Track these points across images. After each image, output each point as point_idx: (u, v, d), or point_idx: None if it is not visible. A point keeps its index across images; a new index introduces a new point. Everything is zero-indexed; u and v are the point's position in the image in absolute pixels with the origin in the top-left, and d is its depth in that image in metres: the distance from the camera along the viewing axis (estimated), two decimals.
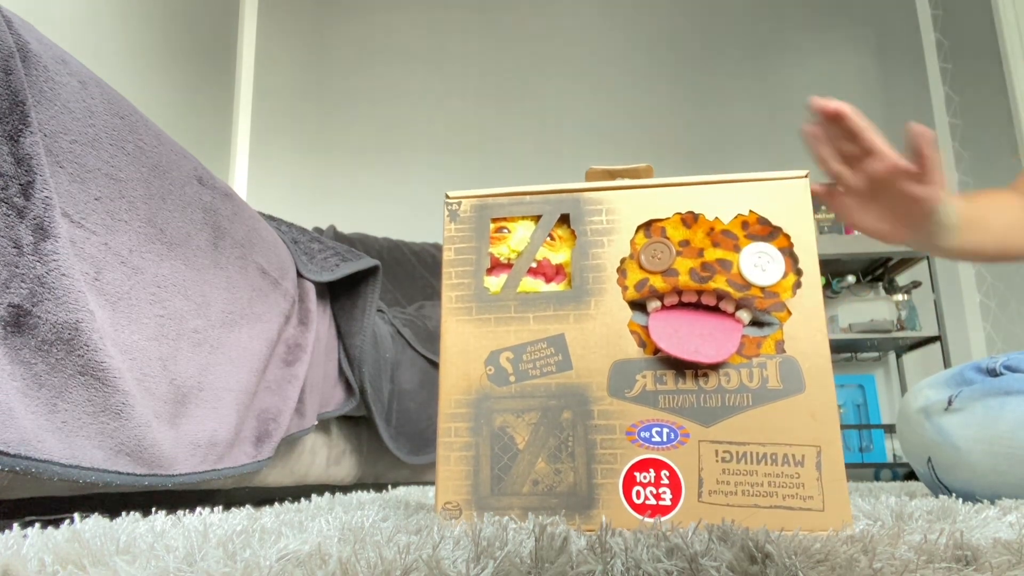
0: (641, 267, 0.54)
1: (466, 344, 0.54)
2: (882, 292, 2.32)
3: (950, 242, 0.75)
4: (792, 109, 2.77)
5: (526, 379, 0.52)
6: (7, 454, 0.48)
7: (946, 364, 2.19)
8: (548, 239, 0.56)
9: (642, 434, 0.50)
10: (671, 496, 0.48)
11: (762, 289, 0.52)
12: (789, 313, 0.52)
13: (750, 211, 0.54)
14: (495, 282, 0.55)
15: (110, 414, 0.56)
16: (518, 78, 2.89)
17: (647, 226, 0.55)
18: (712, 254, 0.53)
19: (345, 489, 1.30)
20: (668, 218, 0.54)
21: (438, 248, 2.31)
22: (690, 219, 0.54)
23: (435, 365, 1.43)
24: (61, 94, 0.56)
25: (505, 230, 0.56)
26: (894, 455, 2.35)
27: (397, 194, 2.77)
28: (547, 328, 0.53)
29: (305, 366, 0.91)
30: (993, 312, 2.46)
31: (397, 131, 2.84)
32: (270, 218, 1.08)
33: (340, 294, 1.13)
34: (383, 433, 1.26)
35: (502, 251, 0.56)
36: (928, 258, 2.26)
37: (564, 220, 0.56)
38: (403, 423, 1.33)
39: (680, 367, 0.51)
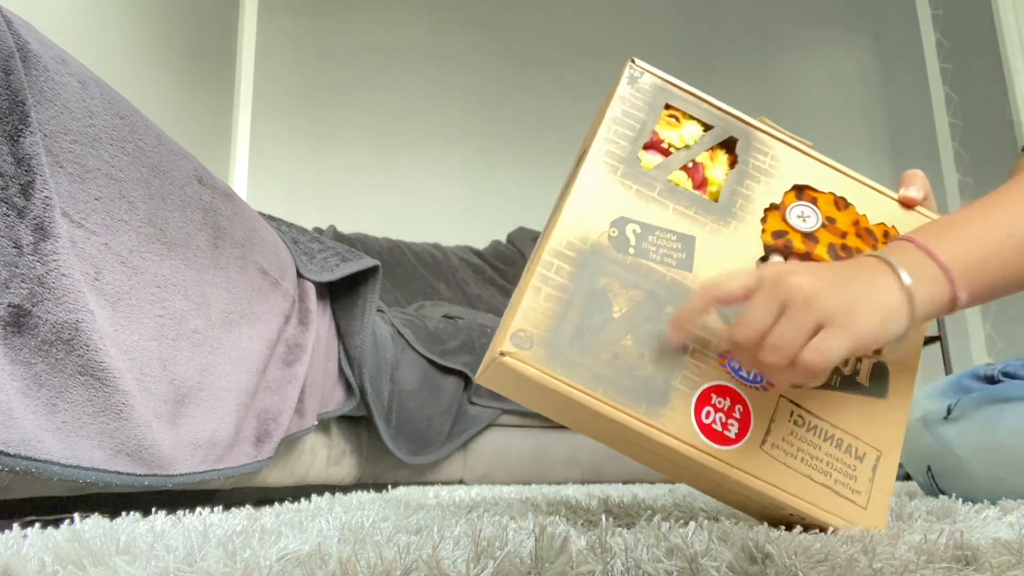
0: (784, 220, 0.54)
1: (600, 197, 0.52)
2: None
3: None
4: (792, 110, 2.77)
5: (644, 258, 0.51)
6: (7, 454, 0.48)
7: (946, 364, 2.19)
8: (709, 150, 0.56)
9: (733, 363, 0.50)
10: (737, 431, 0.48)
11: None
12: None
13: (893, 226, 0.56)
14: (648, 159, 0.55)
15: (110, 414, 0.56)
16: (519, 77, 2.89)
17: (801, 189, 0.56)
18: (853, 241, 0.55)
19: (345, 489, 1.30)
20: (823, 192, 0.56)
21: (438, 248, 2.31)
22: (842, 203, 0.56)
23: (435, 365, 1.43)
24: (61, 94, 0.56)
25: (675, 119, 0.56)
26: None
27: (397, 194, 2.77)
28: (682, 224, 0.52)
29: (305, 366, 0.91)
30: (993, 313, 2.46)
31: (397, 131, 2.84)
32: (270, 218, 1.08)
33: (340, 294, 1.13)
34: (383, 433, 1.26)
35: (668, 136, 0.55)
36: None
37: (728, 143, 0.57)
38: (403, 423, 1.33)
39: None
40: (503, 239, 2.43)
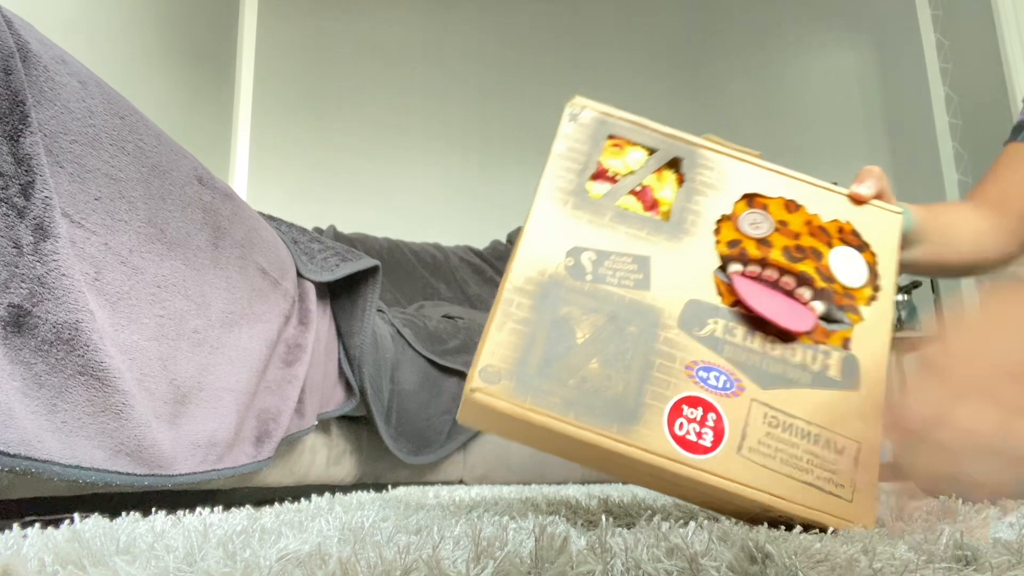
0: (737, 229, 0.55)
1: (553, 229, 0.53)
2: None
3: (913, 255, 0.76)
4: (792, 111, 2.77)
5: (602, 283, 0.52)
6: (7, 454, 0.48)
7: None
8: (655, 172, 0.57)
9: (700, 373, 0.50)
10: (712, 439, 0.48)
11: (843, 287, 0.55)
12: (861, 318, 0.54)
13: (848, 221, 0.57)
14: (596, 188, 0.56)
15: (110, 414, 0.56)
16: (519, 77, 2.89)
17: (751, 198, 0.57)
18: (807, 240, 0.56)
19: (345, 489, 1.30)
20: (773, 198, 0.57)
21: (438, 248, 2.31)
22: (792, 206, 0.57)
23: (435, 365, 1.43)
24: (61, 94, 0.56)
25: (619, 147, 0.58)
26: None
27: (397, 194, 2.77)
28: (636, 246, 0.54)
29: (305, 366, 0.91)
30: None
31: (397, 131, 2.84)
32: (270, 218, 1.08)
33: (340, 294, 1.13)
34: (383, 433, 1.26)
35: (613, 165, 0.57)
36: None
37: (674, 163, 0.58)
38: (403, 423, 1.33)
39: (753, 327, 0.52)
40: (503, 239, 2.43)
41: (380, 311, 1.39)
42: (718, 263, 0.54)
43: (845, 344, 0.53)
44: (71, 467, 0.52)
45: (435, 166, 2.80)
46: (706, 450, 0.48)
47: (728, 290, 0.53)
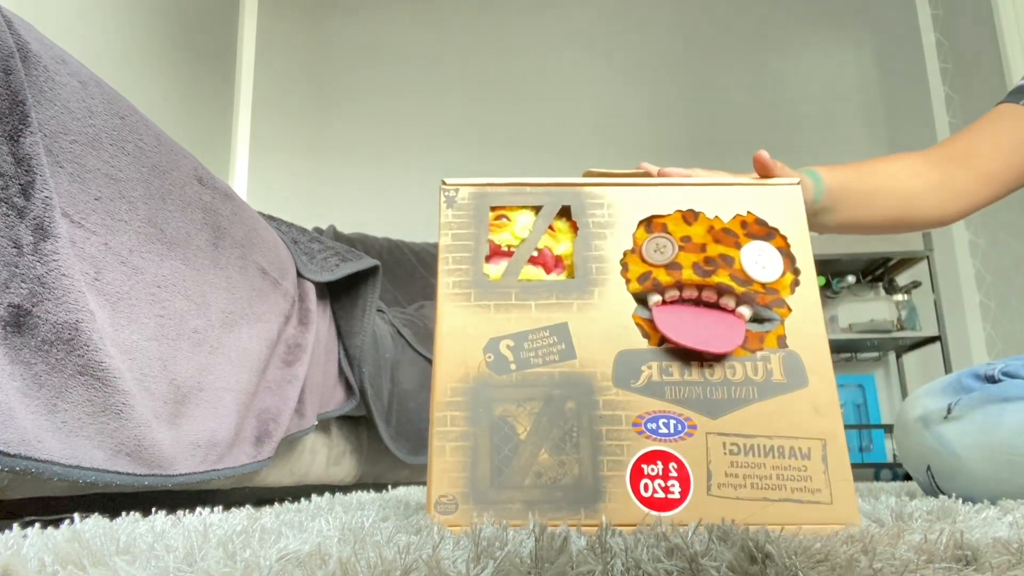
0: (644, 260, 0.54)
1: (464, 330, 0.52)
2: (882, 292, 2.32)
3: (828, 220, 0.76)
4: (791, 110, 2.77)
5: (528, 367, 0.50)
6: (7, 454, 0.48)
7: (946, 364, 2.18)
8: (548, 229, 0.56)
9: (649, 425, 0.49)
10: (680, 489, 0.47)
11: (763, 285, 0.53)
12: (789, 310, 0.52)
13: (748, 212, 0.55)
14: (494, 269, 0.55)
15: (110, 414, 0.56)
16: (518, 77, 2.89)
17: (648, 221, 0.55)
18: (714, 249, 0.54)
19: (345, 489, 1.30)
20: (669, 214, 0.55)
21: (438, 248, 2.31)
22: (691, 216, 0.55)
23: None
24: (61, 94, 0.56)
25: (505, 218, 0.56)
26: (894, 455, 2.36)
27: (397, 194, 2.77)
28: (550, 316, 0.52)
29: (305, 366, 0.91)
30: (993, 312, 2.46)
31: (397, 131, 2.84)
32: (270, 218, 1.08)
33: (340, 294, 1.13)
34: (383, 433, 1.26)
35: (504, 238, 0.55)
36: (928, 258, 2.26)
37: (564, 213, 0.56)
38: (403, 423, 1.33)
39: (686, 358, 0.51)
40: None
41: (380, 311, 1.39)
42: (634, 304, 0.52)
43: (781, 342, 0.51)
44: (71, 467, 0.52)
45: (435, 166, 2.80)
46: (677, 503, 0.47)
47: (652, 328, 0.52)
